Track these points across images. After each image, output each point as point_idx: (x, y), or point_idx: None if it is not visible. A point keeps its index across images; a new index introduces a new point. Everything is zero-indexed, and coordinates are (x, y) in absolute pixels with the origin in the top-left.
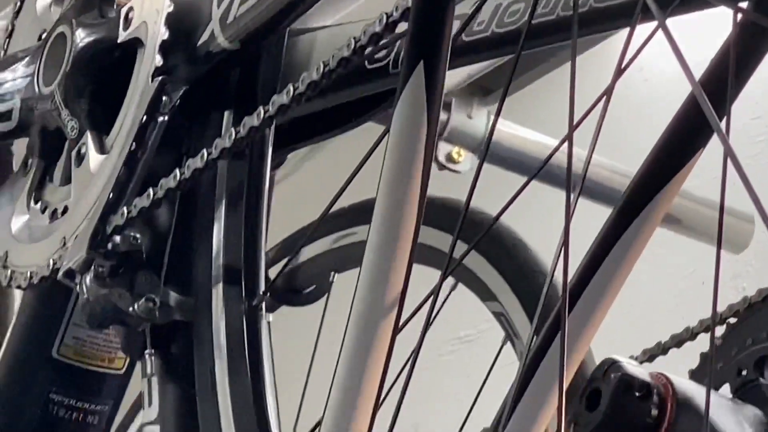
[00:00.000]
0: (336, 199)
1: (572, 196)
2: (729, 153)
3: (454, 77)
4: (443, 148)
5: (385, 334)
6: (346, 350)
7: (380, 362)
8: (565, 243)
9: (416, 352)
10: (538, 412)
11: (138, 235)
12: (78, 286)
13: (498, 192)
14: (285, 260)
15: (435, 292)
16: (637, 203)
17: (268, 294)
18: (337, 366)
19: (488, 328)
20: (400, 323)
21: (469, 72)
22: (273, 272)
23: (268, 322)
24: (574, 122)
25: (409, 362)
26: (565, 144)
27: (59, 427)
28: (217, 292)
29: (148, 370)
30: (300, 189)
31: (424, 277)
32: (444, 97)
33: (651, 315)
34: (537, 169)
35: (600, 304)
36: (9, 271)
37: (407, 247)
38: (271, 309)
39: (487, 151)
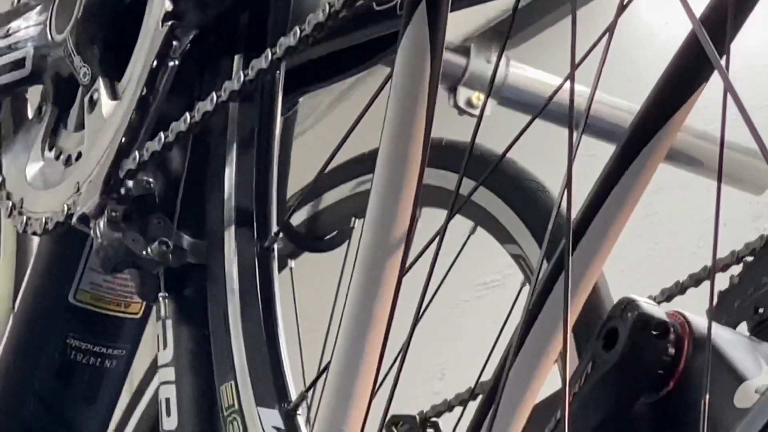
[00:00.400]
0: (342, 142)
1: (575, 135)
2: (729, 89)
3: (472, 23)
4: (463, 93)
5: (392, 276)
6: (353, 294)
7: (387, 305)
8: (568, 181)
9: (423, 293)
10: (544, 350)
11: (150, 180)
12: (92, 231)
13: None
14: (296, 205)
15: (441, 231)
16: (639, 140)
17: (281, 235)
18: (344, 309)
19: (513, 273)
20: (407, 264)
21: (487, 17)
22: (294, 219)
23: (291, 268)
24: (577, 60)
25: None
26: (569, 82)
27: (77, 371)
28: (230, 235)
29: (162, 313)
30: (328, 137)
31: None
32: (463, 42)
33: (672, 257)
34: (541, 108)
35: (604, 240)
36: (24, 218)
37: (412, 188)
38: (293, 255)
39: (492, 87)
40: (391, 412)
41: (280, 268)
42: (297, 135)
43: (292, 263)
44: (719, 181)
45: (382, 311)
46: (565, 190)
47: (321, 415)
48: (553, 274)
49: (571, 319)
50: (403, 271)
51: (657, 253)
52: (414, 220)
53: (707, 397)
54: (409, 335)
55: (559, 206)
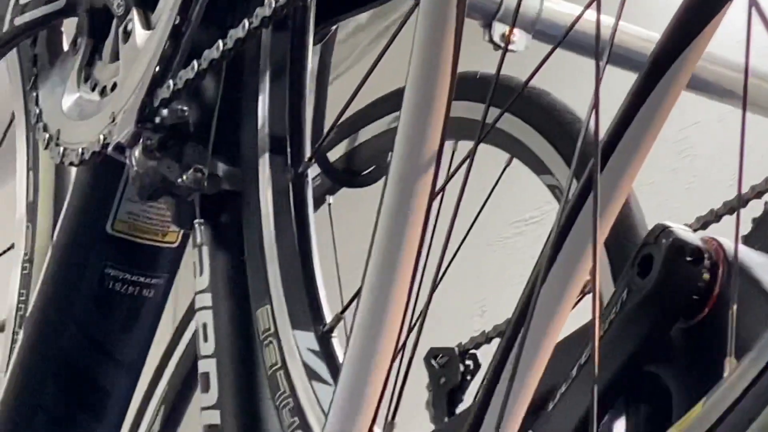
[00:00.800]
0: (368, 75)
1: (601, 64)
2: (753, 3)
3: None
4: (498, 29)
5: (422, 202)
6: (383, 220)
7: (417, 230)
8: (595, 106)
9: (453, 220)
10: (574, 270)
11: (185, 108)
12: (128, 160)
13: (557, 73)
14: (329, 131)
15: (471, 154)
16: (663, 63)
17: (314, 161)
18: (375, 236)
19: (552, 210)
20: (437, 189)
21: None
22: (332, 155)
23: (329, 204)
24: None
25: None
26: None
27: (115, 301)
28: (264, 162)
29: (198, 240)
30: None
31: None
32: None
33: (709, 190)
34: (563, 35)
35: (631, 162)
36: (62, 149)
37: (440, 116)
38: (331, 191)
39: (516, 18)
40: (431, 347)
41: (319, 205)
42: (336, 76)
43: (330, 199)
44: (744, 98)
45: (412, 236)
46: (593, 111)
47: (354, 338)
48: (583, 193)
49: (601, 237)
50: (433, 195)
51: (694, 186)
52: (442, 148)
53: (734, 307)
54: (438, 267)
55: (587, 127)
